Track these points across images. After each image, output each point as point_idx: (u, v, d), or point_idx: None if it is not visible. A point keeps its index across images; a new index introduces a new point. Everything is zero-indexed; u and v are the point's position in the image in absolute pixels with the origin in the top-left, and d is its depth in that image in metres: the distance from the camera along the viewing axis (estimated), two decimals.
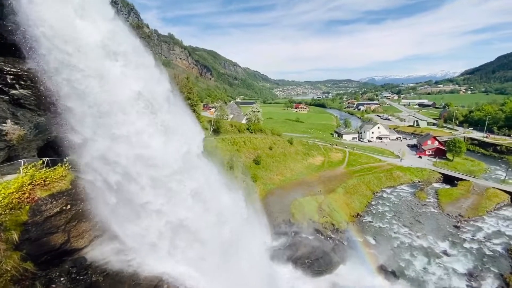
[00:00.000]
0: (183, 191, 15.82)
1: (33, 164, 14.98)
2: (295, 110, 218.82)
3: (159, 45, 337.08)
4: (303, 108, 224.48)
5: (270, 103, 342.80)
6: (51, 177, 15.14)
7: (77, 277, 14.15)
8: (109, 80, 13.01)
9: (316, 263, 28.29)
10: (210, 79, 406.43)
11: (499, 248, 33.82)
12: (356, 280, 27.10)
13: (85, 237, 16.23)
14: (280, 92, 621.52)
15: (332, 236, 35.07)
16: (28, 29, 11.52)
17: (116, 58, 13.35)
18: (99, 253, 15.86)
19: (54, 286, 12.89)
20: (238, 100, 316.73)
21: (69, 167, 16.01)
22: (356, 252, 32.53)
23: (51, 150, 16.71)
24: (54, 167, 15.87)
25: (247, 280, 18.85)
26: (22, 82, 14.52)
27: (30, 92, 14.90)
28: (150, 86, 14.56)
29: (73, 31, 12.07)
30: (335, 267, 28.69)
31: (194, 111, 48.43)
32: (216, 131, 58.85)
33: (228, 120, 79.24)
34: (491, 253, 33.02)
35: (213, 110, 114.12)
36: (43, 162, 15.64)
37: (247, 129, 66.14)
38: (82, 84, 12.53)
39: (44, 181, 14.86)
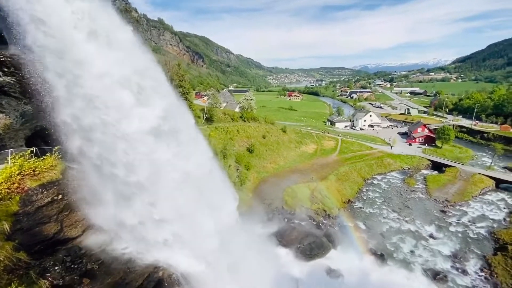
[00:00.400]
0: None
1: (21, 154, 14.63)
2: (289, 98, 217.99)
3: (149, 30, 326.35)
4: (297, 96, 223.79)
5: (264, 91, 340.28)
6: (40, 167, 14.86)
7: (72, 266, 14.20)
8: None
9: (308, 247, 29.15)
10: (202, 66, 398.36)
11: (482, 231, 35.41)
12: (346, 263, 28.10)
13: (78, 226, 16.18)
14: (274, 80, 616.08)
15: (324, 221, 35.97)
16: (11, 13, 10.94)
17: (94, 37, 12.76)
18: (93, 242, 15.88)
19: (48, 274, 12.92)
20: (231, 88, 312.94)
21: (59, 156, 15.72)
22: (347, 236, 33.60)
23: (40, 140, 16.34)
24: (43, 156, 15.55)
25: (247, 265, 19.31)
26: (6, 69, 13.93)
27: (14, 80, 14.33)
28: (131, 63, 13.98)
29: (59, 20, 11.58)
30: (327, 251, 29.65)
31: (186, 99, 47.74)
32: (209, 120, 58.35)
33: (221, 108, 78.50)
34: (475, 236, 34.58)
35: (205, 98, 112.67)
36: (32, 151, 15.28)
37: (241, 117, 65.80)
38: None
39: (34, 171, 14.58)
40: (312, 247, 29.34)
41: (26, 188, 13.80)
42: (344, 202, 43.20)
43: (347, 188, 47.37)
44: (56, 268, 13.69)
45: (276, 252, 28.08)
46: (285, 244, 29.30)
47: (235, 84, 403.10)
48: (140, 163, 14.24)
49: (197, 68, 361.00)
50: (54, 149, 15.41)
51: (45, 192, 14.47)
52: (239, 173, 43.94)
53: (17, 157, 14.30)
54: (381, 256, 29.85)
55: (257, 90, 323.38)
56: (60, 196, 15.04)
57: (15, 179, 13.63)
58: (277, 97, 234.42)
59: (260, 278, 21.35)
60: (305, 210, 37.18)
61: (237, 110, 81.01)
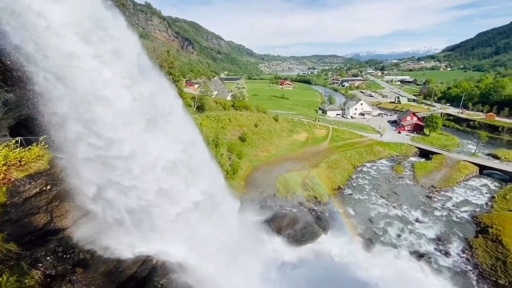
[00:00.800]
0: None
1: (5, 144, 14.18)
2: (281, 86, 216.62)
3: (135, 15, 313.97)
4: (289, 84, 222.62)
5: (255, 79, 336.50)
6: (26, 157, 14.47)
7: (64, 256, 14.18)
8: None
9: (299, 233, 29.92)
10: (192, 53, 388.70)
11: (465, 215, 37.05)
12: (336, 247, 29.17)
13: (69, 217, 16.05)
14: (266, 68, 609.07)
15: (315, 208, 36.78)
16: None
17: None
18: (85, 232, 15.83)
19: (40, 265, 12.89)
20: (222, 75, 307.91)
21: (45, 146, 15.32)
22: (337, 222, 34.58)
23: (24, 129, 15.81)
24: (29, 146, 15.12)
25: (233, 250, 19.70)
26: None
27: None
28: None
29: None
30: (317, 236, 30.52)
31: (176, 87, 46.76)
32: (200, 108, 57.59)
33: (212, 96, 77.42)
34: (458, 219, 36.18)
35: (196, 86, 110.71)
36: (16, 141, 14.82)
37: (232, 106, 65.21)
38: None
39: (20, 161, 14.20)
40: (303, 232, 30.12)
41: (12, 179, 13.48)
42: (335, 189, 44.16)
43: (337, 175, 48.28)
44: (48, 258, 13.64)
45: (268, 238, 28.68)
46: (277, 231, 29.93)
47: (226, 72, 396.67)
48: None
49: (187, 55, 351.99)
50: (40, 139, 14.98)
51: (32, 183, 14.18)
52: (231, 162, 44.02)
53: (1, 147, 13.86)
54: (369, 240, 30.99)
55: (249, 78, 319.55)
56: (48, 187, 14.79)
57: (1, 169, 13.27)
58: (269, 85, 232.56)
59: (251, 263, 21.91)
60: (296, 197, 37.84)
61: (228, 98, 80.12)
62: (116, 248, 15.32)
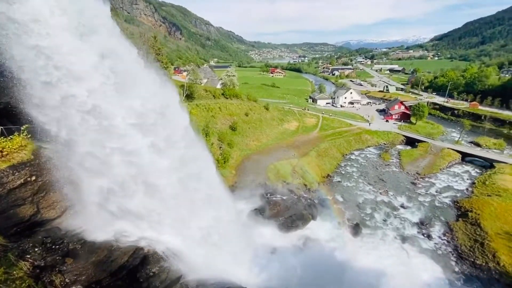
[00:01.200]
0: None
1: None
2: (271, 74, 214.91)
3: None
4: (279, 72, 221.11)
5: (246, 67, 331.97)
6: (8, 147, 13.93)
7: (53, 247, 14.00)
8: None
9: (290, 220, 30.61)
10: (180, 39, 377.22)
11: (447, 200, 38.76)
12: (324, 233, 30.17)
13: (56, 207, 15.74)
14: (256, 55, 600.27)
15: (304, 195, 37.54)
16: None
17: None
18: (74, 222, 15.62)
19: (28, 256, 12.70)
20: (212, 63, 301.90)
21: (28, 136, 14.77)
22: (326, 209, 35.54)
23: (5, 118, 15.14)
24: (11, 136, 14.54)
25: (225, 237, 19.99)
26: None
27: None
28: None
29: None
30: (307, 222, 31.33)
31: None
32: (190, 97, 56.55)
33: (202, 85, 76.06)
34: (440, 204, 37.84)
35: (185, 74, 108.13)
36: None
37: (222, 94, 64.34)
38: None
39: (1, 151, 13.68)
40: (293, 219, 30.81)
41: None
42: (324, 177, 45.04)
43: (326, 163, 49.14)
44: (36, 249, 13.45)
45: (259, 225, 29.22)
46: (268, 218, 30.48)
47: (216, 59, 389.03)
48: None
49: (174, 41, 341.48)
50: (22, 128, 14.41)
51: (16, 174, 13.74)
52: (222, 151, 43.92)
53: None
54: (357, 225, 32.10)
55: (239, 66, 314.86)
56: (33, 178, 14.38)
57: None
58: (259, 73, 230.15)
59: (242, 250, 22.36)
60: (286, 185, 38.43)
61: (218, 86, 78.93)
62: (106, 238, 15.25)
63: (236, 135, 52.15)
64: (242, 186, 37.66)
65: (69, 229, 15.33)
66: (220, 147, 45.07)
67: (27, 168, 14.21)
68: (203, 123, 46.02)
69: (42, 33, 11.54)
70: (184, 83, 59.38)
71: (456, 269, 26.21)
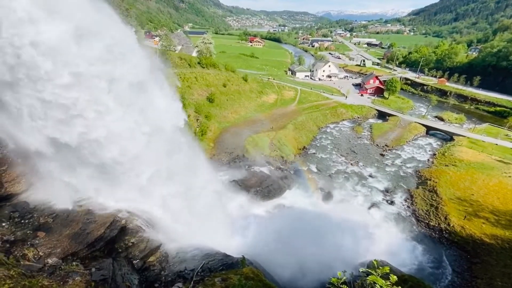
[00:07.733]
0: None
1: None
2: (250, 44, 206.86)
3: None
4: (259, 42, 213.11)
5: (223, 34, 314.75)
6: None
7: (22, 221, 13.50)
8: None
9: (266, 189, 31.94)
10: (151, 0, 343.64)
11: (410, 170, 42.19)
12: (298, 200, 32.15)
13: (22, 181, 14.91)
14: (234, 22, 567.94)
15: (281, 167, 38.79)
16: None
17: None
18: (42, 196, 14.96)
19: None
20: (187, 28, 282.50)
21: None
22: (301, 179, 37.25)
23: None
24: None
25: (202, 209, 20.46)
26: None
27: None
28: None
29: None
30: (282, 191, 32.90)
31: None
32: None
33: (176, 52, 71.61)
34: (404, 174, 41.18)
35: (157, 39, 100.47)
36: None
37: (199, 63, 61.31)
38: None
39: None
40: (269, 189, 32.14)
41: None
42: (300, 149, 46.46)
43: (303, 136, 50.41)
44: (4, 224, 12.93)
45: (237, 196, 30.15)
46: (246, 188, 31.46)
47: (190, 24, 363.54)
48: None
49: (145, 2, 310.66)
50: None
51: None
52: (199, 123, 43.10)
53: None
54: (328, 193, 34.33)
55: (216, 33, 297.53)
56: None
57: None
58: (238, 42, 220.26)
59: (220, 217, 23.21)
60: (264, 157, 39.26)
61: (194, 54, 74.79)
62: (80, 209, 14.90)
63: (213, 107, 50.99)
64: (221, 159, 37.87)
65: (38, 203, 14.72)
66: (197, 119, 44.10)
67: None
68: (179, 93, 44.14)
69: None
70: (156, 50, 55.45)
71: (413, 230, 29.55)
